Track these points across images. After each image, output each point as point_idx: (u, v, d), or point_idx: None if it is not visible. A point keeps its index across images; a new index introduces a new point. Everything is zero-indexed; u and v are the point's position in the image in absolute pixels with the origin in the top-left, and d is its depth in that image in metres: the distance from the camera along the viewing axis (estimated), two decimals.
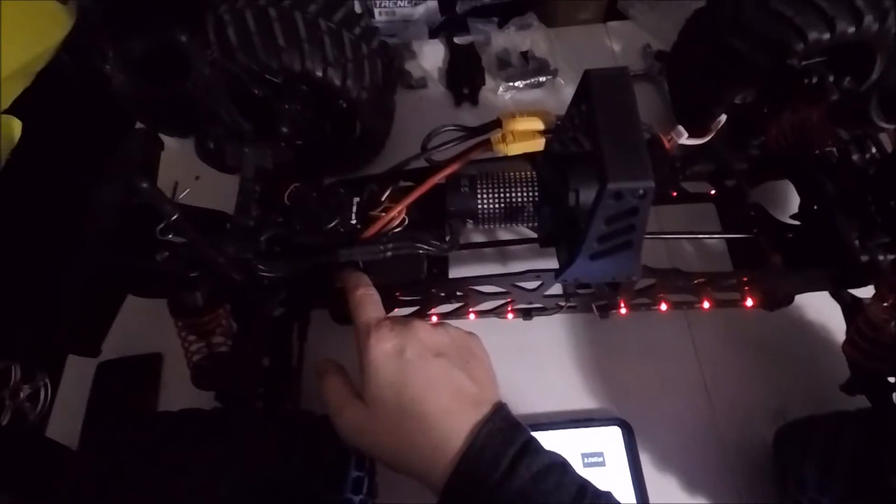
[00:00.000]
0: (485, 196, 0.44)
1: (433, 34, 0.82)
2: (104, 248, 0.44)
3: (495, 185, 0.44)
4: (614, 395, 0.53)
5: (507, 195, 0.44)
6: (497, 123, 0.45)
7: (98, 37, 0.76)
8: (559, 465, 0.32)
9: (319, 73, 0.52)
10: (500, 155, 0.46)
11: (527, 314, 0.50)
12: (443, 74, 0.78)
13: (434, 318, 0.51)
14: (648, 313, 0.53)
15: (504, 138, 0.45)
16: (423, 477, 0.32)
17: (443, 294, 0.47)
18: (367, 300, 0.39)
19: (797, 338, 0.53)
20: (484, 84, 0.75)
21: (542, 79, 0.73)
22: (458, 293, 0.47)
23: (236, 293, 0.46)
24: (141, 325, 0.60)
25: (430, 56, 0.79)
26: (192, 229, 0.34)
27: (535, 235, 0.51)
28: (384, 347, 0.35)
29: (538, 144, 0.45)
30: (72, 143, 0.64)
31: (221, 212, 0.50)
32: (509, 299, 0.49)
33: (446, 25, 0.83)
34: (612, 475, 0.48)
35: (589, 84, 0.34)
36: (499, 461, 0.30)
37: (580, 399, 0.53)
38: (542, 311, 0.50)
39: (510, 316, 0.50)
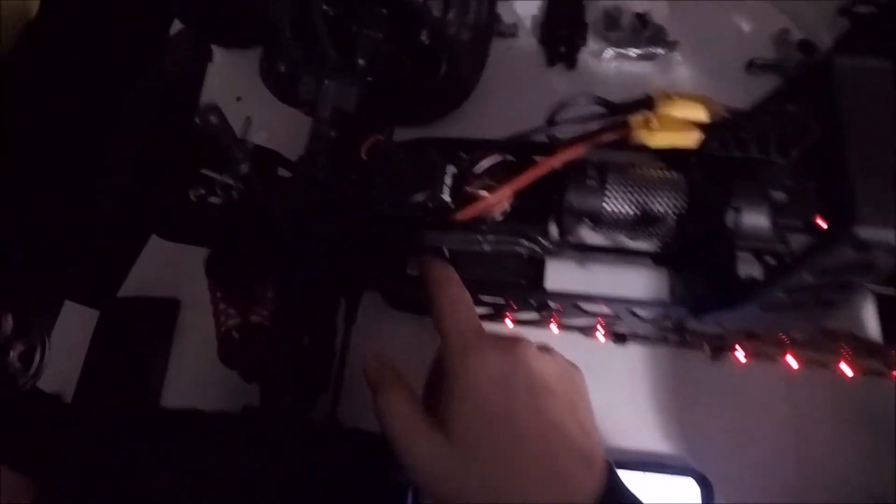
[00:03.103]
0: (616, 195, 0.35)
1: None
2: (133, 173, 0.35)
3: (632, 184, 0.35)
4: (693, 443, 0.46)
5: (645, 199, 0.34)
6: (646, 103, 0.35)
7: None
8: None
9: None
10: (637, 143, 0.36)
11: (620, 338, 0.42)
12: (537, 25, 0.66)
13: (510, 324, 0.43)
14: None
15: (649, 123, 0.35)
16: None
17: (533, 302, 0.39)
18: (461, 304, 0.31)
19: None
20: (585, 45, 0.63)
21: (660, 51, 0.62)
22: (553, 305, 0.38)
23: (281, 253, 0.37)
24: (158, 265, 0.53)
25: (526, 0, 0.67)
26: (260, 183, 0.25)
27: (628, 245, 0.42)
28: (487, 372, 0.27)
29: (689, 139, 0.36)
30: (106, 39, 0.53)
31: (272, 151, 0.40)
32: (603, 320, 0.40)
33: None
34: None
35: (835, 79, 0.25)
36: None
37: (654, 440, 0.46)
38: (641, 338, 0.42)
39: (601, 337, 0.42)
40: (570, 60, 0.63)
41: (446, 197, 0.35)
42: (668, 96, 0.35)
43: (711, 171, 0.35)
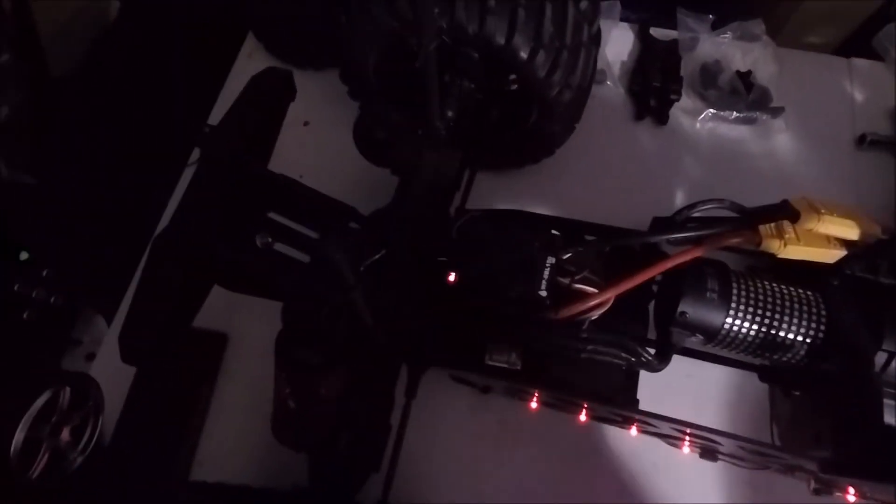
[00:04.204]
0: (741, 315, 0.30)
1: (625, 14, 0.65)
2: (208, 218, 0.32)
3: (762, 303, 0.30)
4: None
5: (775, 323, 0.30)
6: (787, 212, 0.30)
7: None
8: None
9: (524, 55, 0.38)
10: (763, 250, 0.32)
11: (710, 455, 0.37)
12: (627, 72, 0.61)
13: (583, 416, 0.39)
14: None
15: (782, 233, 0.31)
16: None
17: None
18: None
19: None
20: (678, 100, 0.58)
21: (762, 116, 0.56)
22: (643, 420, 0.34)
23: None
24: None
25: (616, 44, 0.63)
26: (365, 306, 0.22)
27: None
28: None
29: (829, 256, 0.31)
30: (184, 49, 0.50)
31: (345, 205, 0.37)
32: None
33: (645, 5, 0.65)
34: None
35: None
36: None
37: None
38: (735, 459, 0.37)
39: (686, 448, 0.38)
40: (660, 116, 0.58)
41: (543, 292, 0.31)
42: (816, 210, 0.30)
43: (854, 296, 0.30)
